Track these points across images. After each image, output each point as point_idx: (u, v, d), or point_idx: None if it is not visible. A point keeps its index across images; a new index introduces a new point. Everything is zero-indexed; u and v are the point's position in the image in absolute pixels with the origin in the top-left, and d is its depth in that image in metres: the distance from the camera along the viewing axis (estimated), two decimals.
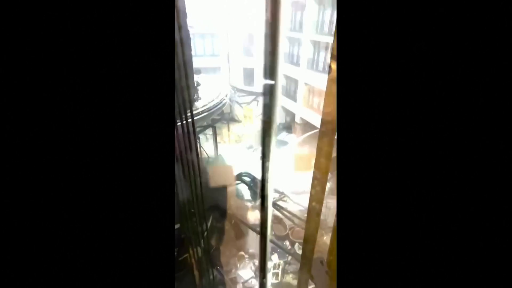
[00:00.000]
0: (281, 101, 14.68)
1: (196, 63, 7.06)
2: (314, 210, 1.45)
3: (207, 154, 8.08)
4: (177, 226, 4.97)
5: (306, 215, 1.50)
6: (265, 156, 0.73)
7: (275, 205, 6.86)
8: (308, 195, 1.45)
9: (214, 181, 6.55)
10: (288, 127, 14.31)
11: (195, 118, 4.41)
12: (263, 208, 0.84)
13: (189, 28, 5.08)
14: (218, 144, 9.35)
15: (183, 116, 3.44)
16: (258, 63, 14.94)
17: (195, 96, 5.59)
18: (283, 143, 12.42)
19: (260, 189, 0.81)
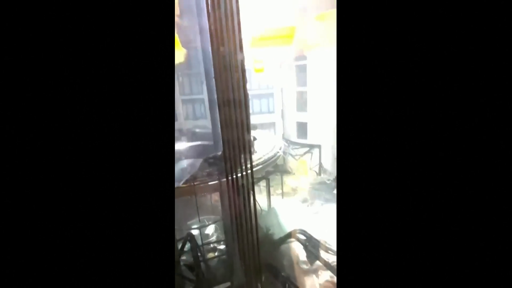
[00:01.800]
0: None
1: (253, 119, 7.67)
2: None
3: (260, 207, 7.99)
4: (227, 284, 4.71)
5: None
6: None
7: (330, 267, 5.98)
8: None
9: None
10: None
11: (250, 170, 4.58)
12: None
13: (248, 91, 5.78)
14: (271, 197, 9.21)
15: (242, 168, 3.62)
16: (310, 118, 15.28)
17: (251, 150, 5.92)
18: None
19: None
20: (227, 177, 3.70)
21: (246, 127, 3.59)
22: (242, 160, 3.63)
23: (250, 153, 3.59)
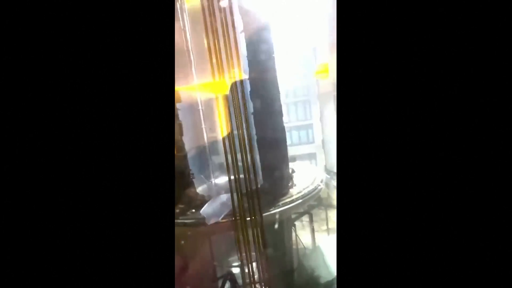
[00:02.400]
0: None
1: (292, 151, 7.59)
2: None
3: (303, 245, 7.44)
4: None
5: None
6: None
7: None
8: None
9: None
10: None
11: (290, 205, 4.41)
12: None
13: (284, 124, 5.85)
14: (316, 233, 8.55)
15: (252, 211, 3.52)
16: None
17: (290, 183, 5.76)
18: None
19: None
20: (235, 217, 3.64)
21: (253, 167, 3.61)
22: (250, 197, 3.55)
23: (258, 194, 3.53)
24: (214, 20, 3.39)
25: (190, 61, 5.77)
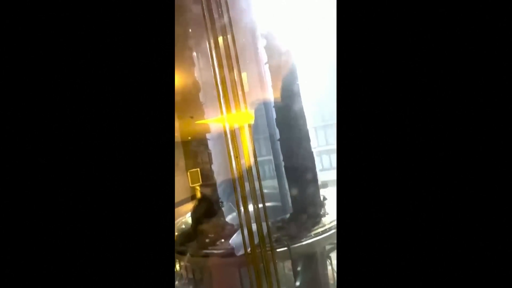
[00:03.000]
0: None
1: (323, 176, 7.29)
2: None
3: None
4: None
5: None
6: None
7: None
8: None
9: None
10: None
11: (323, 235, 4.15)
12: None
13: (313, 149, 5.73)
14: None
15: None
16: None
17: (322, 212, 5.46)
18: None
19: None
20: (252, 250, 3.47)
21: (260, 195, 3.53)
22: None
23: (268, 225, 3.39)
24: (235, 54, 3.61)
25: (219, 94, 6.11)
